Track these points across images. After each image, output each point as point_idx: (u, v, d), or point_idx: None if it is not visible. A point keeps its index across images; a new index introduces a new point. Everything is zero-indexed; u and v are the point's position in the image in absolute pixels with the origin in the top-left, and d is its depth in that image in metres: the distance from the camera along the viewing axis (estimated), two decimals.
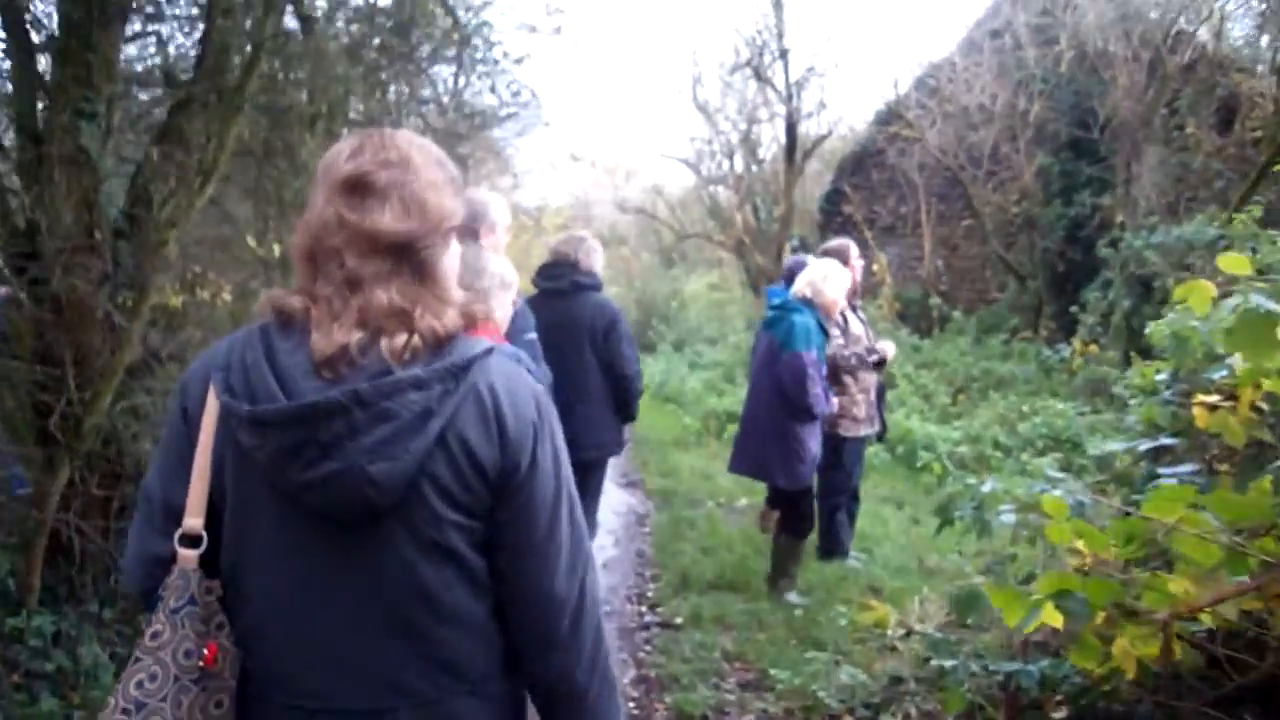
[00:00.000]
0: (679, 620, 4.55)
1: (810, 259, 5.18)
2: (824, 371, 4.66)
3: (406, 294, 1.21)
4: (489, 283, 2.53)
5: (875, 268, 12.00)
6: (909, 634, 4.23)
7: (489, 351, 1.25)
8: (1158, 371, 3.40)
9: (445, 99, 7.83)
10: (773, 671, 3.77)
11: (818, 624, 4.42)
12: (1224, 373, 2.54)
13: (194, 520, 1.26)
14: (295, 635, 1.24)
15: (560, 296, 4.24)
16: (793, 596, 4.74)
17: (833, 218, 14.92)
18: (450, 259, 1.31)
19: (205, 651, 1.22)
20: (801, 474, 4.65)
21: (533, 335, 3.40)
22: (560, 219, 20.40)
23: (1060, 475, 3.50)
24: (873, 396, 5.27)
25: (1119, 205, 9.59)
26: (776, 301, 4.85)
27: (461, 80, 7.96)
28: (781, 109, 14.88)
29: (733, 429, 8.98)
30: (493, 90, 6.52)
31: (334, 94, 5.62)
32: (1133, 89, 9.26)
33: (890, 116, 13.31)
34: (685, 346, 14.99)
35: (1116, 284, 8.50)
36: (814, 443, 4.69)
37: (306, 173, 5.45)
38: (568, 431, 1.39)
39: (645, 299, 17.89)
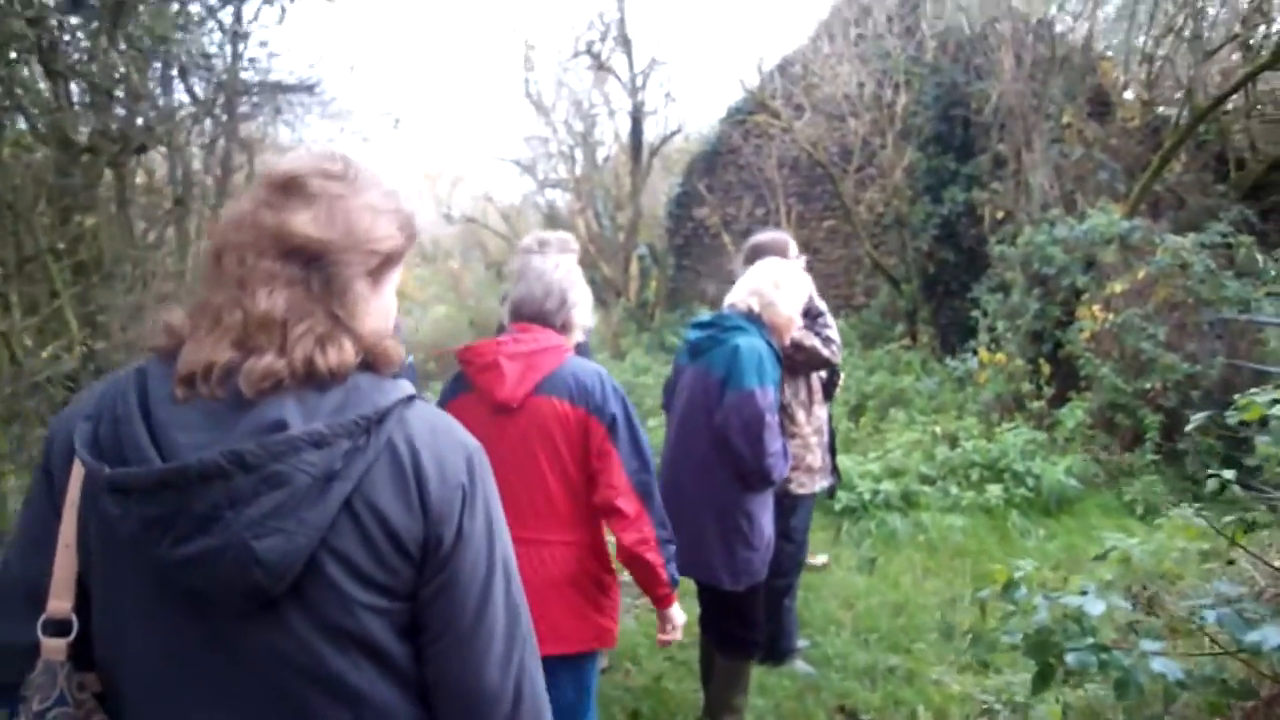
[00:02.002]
0: None
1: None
2: (777, 416, 3.26)
3: (295, 306, 1.00)
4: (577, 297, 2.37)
5: None
6: None
7: (409, 399, 1.06)
8: None
9: (218, 63, 5.96)
10: None
11: None
12: None
13: (60, 603, 1.05)
14: None
15: None
16: None
17: (683, 222, 13.81)
18: (370, 289, 1.08)
19: None
20: (753, 567, 3.22)
21: None
22: None
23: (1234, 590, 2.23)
24: (826, 438, 3.94)
25: (1006, 199, 8.82)
26: (706, 318, 3.40)
27: (240, 45, 6.14)
28: (624, 103, 13.58)
29: None
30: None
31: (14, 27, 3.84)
32: (1019, 75, 8.48)
33: (750, 107, 12.25)
34: None
35: (1019, 285, 7.63)
36: (768, 520, 3.26)
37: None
38: None
39: (480, 318, 16.02)
